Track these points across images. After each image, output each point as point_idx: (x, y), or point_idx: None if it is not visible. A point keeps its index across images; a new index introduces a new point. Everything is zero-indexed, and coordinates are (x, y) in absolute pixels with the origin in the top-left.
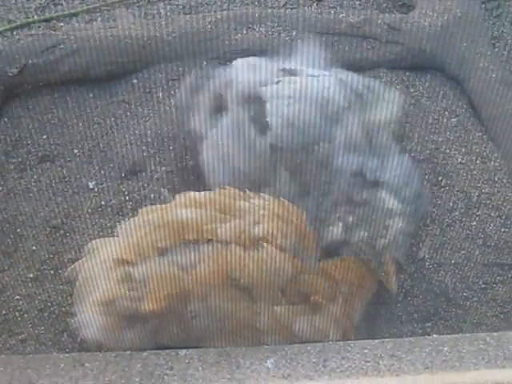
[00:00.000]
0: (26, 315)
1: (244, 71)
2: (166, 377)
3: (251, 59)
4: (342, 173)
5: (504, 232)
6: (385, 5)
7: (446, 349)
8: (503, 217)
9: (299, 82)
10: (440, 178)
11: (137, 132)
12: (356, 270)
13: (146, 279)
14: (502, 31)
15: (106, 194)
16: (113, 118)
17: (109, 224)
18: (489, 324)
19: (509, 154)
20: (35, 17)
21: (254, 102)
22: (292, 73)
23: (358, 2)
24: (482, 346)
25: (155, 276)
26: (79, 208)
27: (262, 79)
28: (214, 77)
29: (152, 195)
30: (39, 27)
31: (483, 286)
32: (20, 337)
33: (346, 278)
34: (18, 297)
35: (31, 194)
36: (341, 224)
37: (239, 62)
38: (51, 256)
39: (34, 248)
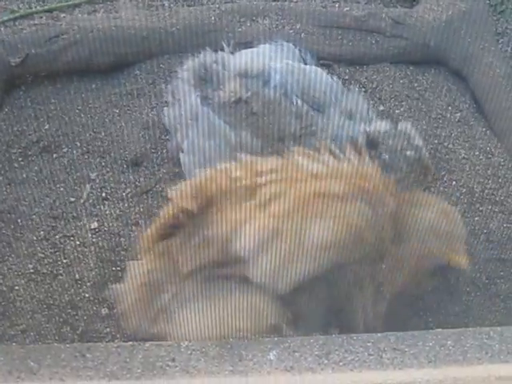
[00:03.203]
0: (26, 305)
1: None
2: (167, 368)
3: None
4: None
5: (507, 227)
6: None
7: (449, 343)
8: (506, 212)
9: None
10: (443, 173)
11: (139, 123)
12: None
13: None
14: (506, 27)
15: (108, 185)
16: (115, 109)
17: (110, 214)
18: (492, 319)
19: None
20: (38, 7)
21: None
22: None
23: None
24: (485, 341)
25: None
26: (80, 198)
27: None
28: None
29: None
30: (42, 17)
31: (486, 281)
32: (20, 327)
33: None
34: (17, 287)
35: (32, 184)
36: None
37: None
38: (52, 246)
39: (35, 238)
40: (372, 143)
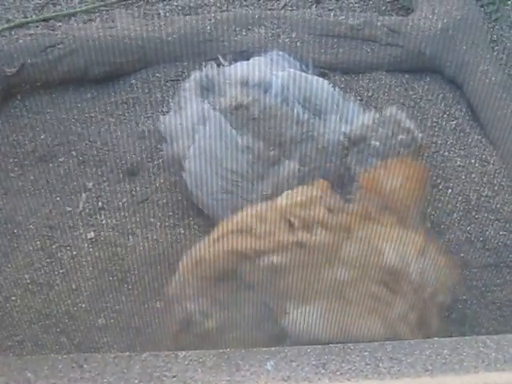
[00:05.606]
0: (23, 316)
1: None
2: (165, 378)
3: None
4: None
5: (503, 235)
6: (384, 7)
7: (445, 351)
8: (502, 220)
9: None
10: (439, 181)
11: (135, 132)
12: None
13: None
14: (501, 35)
15: (104, 195)
16: (111, 119)
17: (107, 224)
18: (488, 327)
19: (508, 157)
20: (33, 16)
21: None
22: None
23: (357, 5)
24: (481, 349)
25: None
26: (77, 208)
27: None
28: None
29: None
30: (38, 27)
31: (482, 288)
32: (17, 338)
33: None
34: (14, 297)
35: (29, 194)
36: None
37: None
38: (48, 256)
39: (31, 248)
40: (355, 141)
